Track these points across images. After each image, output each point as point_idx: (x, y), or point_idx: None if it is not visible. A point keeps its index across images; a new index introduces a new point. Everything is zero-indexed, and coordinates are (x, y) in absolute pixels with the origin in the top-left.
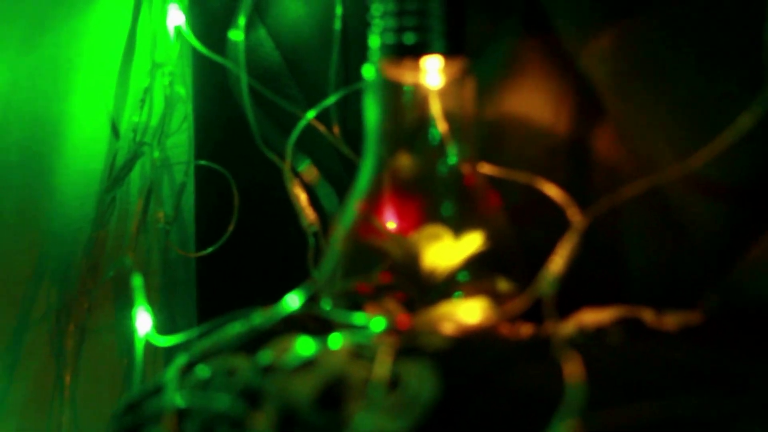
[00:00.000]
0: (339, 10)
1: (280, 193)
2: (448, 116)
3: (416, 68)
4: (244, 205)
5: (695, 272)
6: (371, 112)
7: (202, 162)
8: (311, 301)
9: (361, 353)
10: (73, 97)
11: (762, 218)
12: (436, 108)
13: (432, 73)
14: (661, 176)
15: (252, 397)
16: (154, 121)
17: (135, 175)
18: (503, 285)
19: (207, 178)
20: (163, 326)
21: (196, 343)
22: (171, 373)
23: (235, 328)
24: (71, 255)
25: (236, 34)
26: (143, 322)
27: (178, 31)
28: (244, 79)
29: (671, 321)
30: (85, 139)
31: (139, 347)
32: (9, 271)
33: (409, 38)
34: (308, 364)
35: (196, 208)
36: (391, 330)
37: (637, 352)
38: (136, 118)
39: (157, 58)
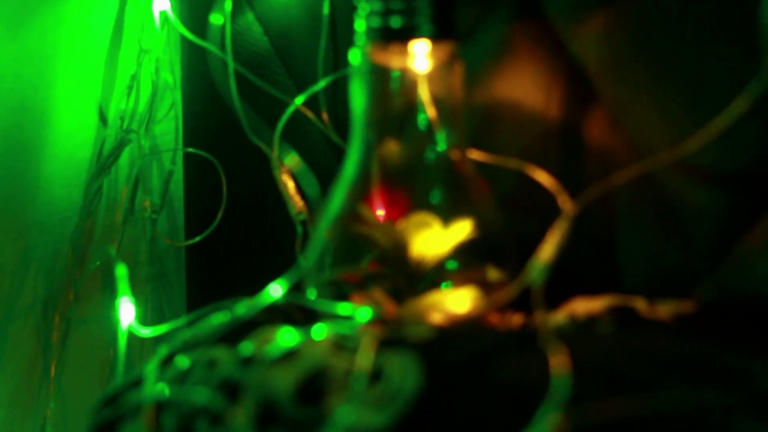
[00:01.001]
0: None
1: (269, 181)
2: (437, 102)
3: (404, 53)
4: (233, 193)
5: (689, 260)
6: (358, 98)
7: (190, 150)
8: (296, 290)
9: (344, 344)
10: (59, 84)
11: (758, 204)
12: (424, 93)
13: (420, 57)
14: (655, 162)
15: (232, 390)
16: (142, 108)
17: (123, 163)
18: (493, 274)
19: (195, 166)
20: (152, 317)
21: (178, 334)
22: (151, 365)
23: (218, 318)
24: (57, 245)
25: (218, 18)
26: (127, 312)
27: (164, 16)
28: (230, 65)
29: (664, 311)
30: (71, 126)
31: (123, 339)
32: None
33: (396, 22)
34: (290, 356)
35: (185, 196)
36: (376, 320)
37: (629, 343)
38: (123, 105)
39: (144, 44)
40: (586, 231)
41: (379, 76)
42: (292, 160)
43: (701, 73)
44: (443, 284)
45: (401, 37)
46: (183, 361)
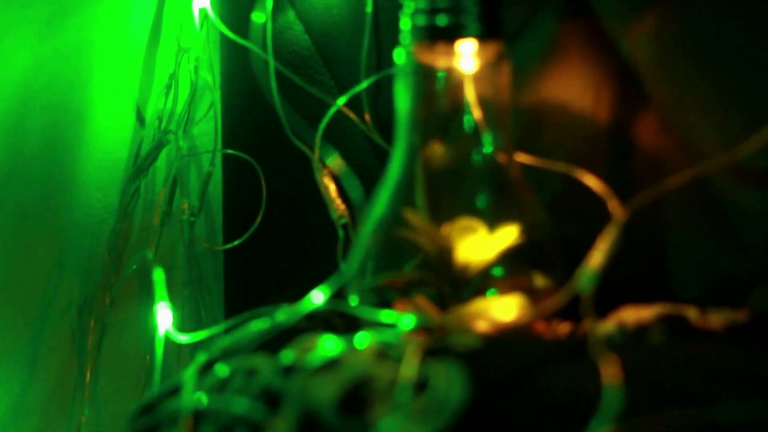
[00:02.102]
0: None
1: (310, 184)
2: (483, 103)
3: (450, 52)
4: (273, 196)
5: (743, 268)
6: (402, 98)
7: (229, 151)
8: (338, 296)
9: (387, 353)
10: (96, 83)
11: None
12: (470, 94)
13: (466, 57)
14: (708, 166)
15: (272, 399)
16: (180, 109)
17: (160, 164)
18: (540, 281)
19: (234, 168)
20: (189, 322)
21: (217, 341)
22: (189, 372)
23: (258, 325)
24: (93, 247)
25: (259, 16)
26: (164, 318)
27: (203, 14)
28: (271, 64)
29: (717, 320)
30: (108, 126)
31: (160, 344)
32: (30, 264)
33: (442, 20)
34: (332, 365)
35: (224, 198)
36: (421, 328)
37: (680, 354)
38: (161, 105)
39: (182, 42)
40: (637, 237)
41: (424, 76)
42: (334, 162)
43: (754, 73)
44: (489, 291)
45: (447, 36)
46: (222, 369)
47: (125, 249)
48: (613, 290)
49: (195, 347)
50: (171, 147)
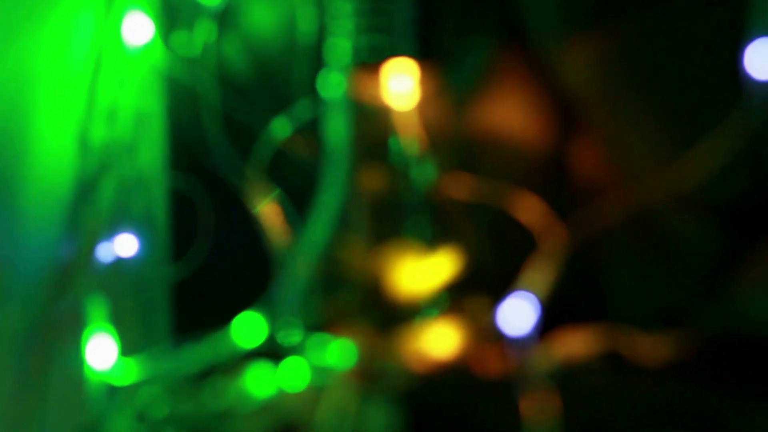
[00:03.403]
0: (306, 17)
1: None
2: (420, 127)
3: (382, 75)
4: (220, 223)
5: (684, 295)
6: (336, 124)
7: (173, 179)
8: (272, 326)
9: (319, 389)
10: (37, 110)
11: (754, 237)
12: (405, 118)
13: (401, 80)
14: (645, 189)
15: None
16: (124, 137)
17: (105, 192)
18: (478, 307)
19: (180, 197)
20: (136, 352)
21: (150, 377)
22: (119, 414)
23: (196, 357)
24: (36, 278)
25: (197, 43)
26: (105, 348)
27: (146, 42)
28: (210, 92)
29: (657, 348)
30: (51, 155)
31: (100, 375)
32: None
33: (375, 42)
34: (262, 405)
35: (170, 227)
36: (354, 361)
37: (617, 386)
38: (104, 133)
39: (126, 70)
40: (577, 261)
41: (356, 104)
42: (273, 190)
43: (691, 94)
44: (425, 320)
45: (379, 58)
46: (155, 410)
47: (71, 278)
48: (552, 318)
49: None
50: (115, 176)
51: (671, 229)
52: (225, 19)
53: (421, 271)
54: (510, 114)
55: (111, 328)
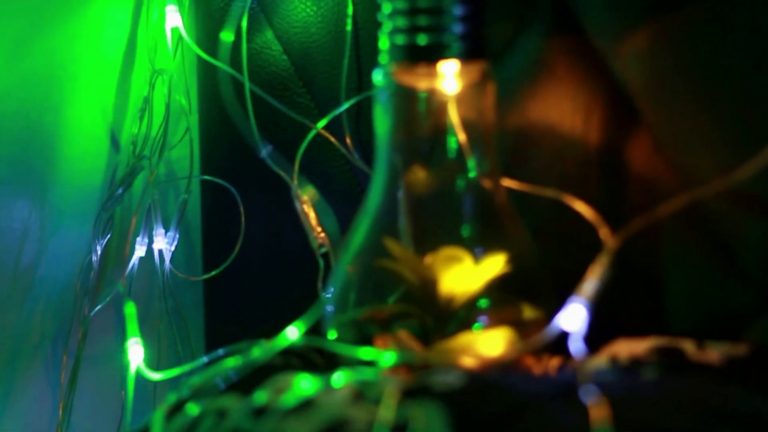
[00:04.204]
0: (350, 10)
1: (289, 210)
2: (468, 125)
3: (432, 72)
4: (252, 224)
5: (741, 298)
6: (383, 121)
7: (206, 177)
8: (317, 330)
9: (365, 393)
10: (69, 106)
11: None
12: (454, 116)
13: (449, 77)
14: (704, 191)
15: None
16: (155, 133)
17: (136, 191)
18: (528, 313)
19: (212, 195)
20: (168, 355)
21: (189, 379)
22: (158, 414)
23: (232, 363)
24: (67, 279)
25: (228, 35)
26: (136, 353)
27: (177, 35)
28: (247, 87)
29: (714, 354)
30: (81, 152)
31: (131, 381)
32: (1, 297)
33: (423, 40)
34: (306, 406)
35: (202, 226)
36: (401, 365)
37: (675, 392)
38: (135, 130)
39: (157, 64)
40: (630, 266)
41: (405, 97)
42: (309, 193)
43: (754, 94)
44: (475, 324)
45: (429, 56)
46: (192, 409)
47: (100, 280)
48: (604, 323)
49: (172, 382)
50: (146, 173)
51: (731, 232)
52: (265, 10)
53: (470, 274)
54: (562, 111)
55: (142, 335)
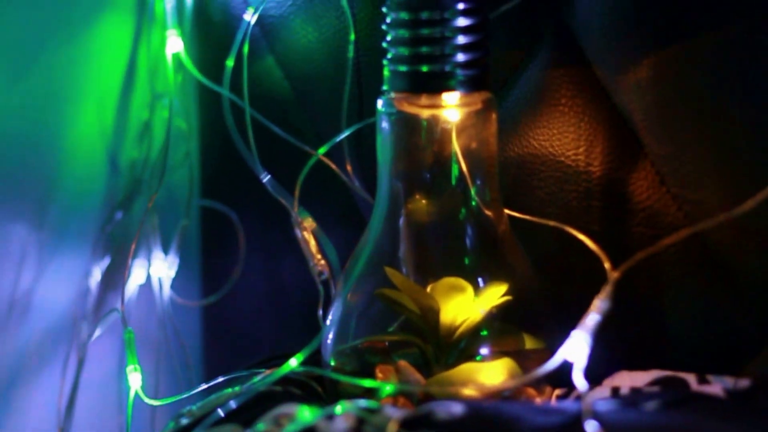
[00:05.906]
0: (352, 36)
1: (290, 237)
2: (470, 154)
3: (434, 101)
4: (252, 250)
5: (746, 332)
6: (384, 149)
7: (206, 202)
8: (317, 359)
9: (365, 423)
10: (68, 129)
11: None
12: (456, 145)
13: (451, 106)
14: (707, 223)
15: None
16: (155, 157)
17: (134, 214)
18: (530, 343)
19: (212, 220)
20: (166, 381)
21: (188, 408)
22: None
23: (231, 390)
24: (65, 303)
25: (229, 61)
26: (134, 380)
27: (177, 59)
28: (247, 112)
29: (718, 388)
30: (81, 175)
31: (129, 408)
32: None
33: (426, 68)
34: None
35: (201, 252)
36: (403, 395)
37: (677, 424)
38: (135, 154)
39: (157, 88)
40: (632, 298)
41: (407, 125)
42: (308, 223)
43: (757, 127)
44: (476, 355)
45: (431, 85)
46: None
47: (99, 305)
48: (607, 354)
49: (171, 409)
50: (145, 197)
51: (732, 265)
52: (267, 36)
53: (472, 304)
54: (564, 141)
55: (138, 361)
